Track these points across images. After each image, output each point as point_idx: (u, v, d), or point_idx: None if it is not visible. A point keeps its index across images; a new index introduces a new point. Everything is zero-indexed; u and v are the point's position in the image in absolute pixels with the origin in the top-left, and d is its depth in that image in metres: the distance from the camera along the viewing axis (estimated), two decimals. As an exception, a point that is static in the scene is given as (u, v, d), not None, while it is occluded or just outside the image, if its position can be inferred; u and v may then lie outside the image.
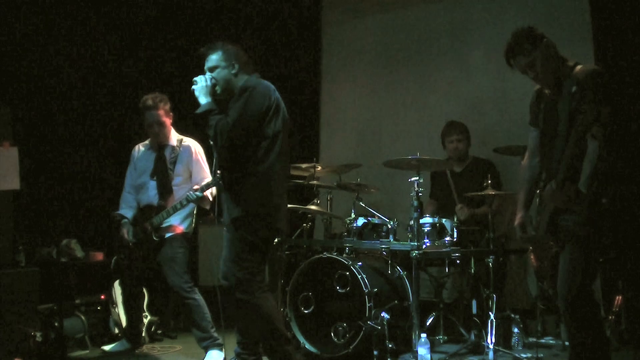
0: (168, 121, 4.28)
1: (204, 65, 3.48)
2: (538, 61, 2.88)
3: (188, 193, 4.07)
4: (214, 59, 3.44)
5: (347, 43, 6.09)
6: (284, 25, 6.22)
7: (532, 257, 3.11)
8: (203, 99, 3.35)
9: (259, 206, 3.31)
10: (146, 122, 4.24)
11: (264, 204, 3.32)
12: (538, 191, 3.18)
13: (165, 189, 4.20)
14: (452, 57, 5.54)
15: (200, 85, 3.36)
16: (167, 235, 4.17)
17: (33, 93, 5.22)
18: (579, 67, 2.86)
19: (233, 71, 3.44)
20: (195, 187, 4.08)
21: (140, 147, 4.45)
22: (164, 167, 4.23)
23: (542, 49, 2.88)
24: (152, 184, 4.24)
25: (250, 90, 3.32)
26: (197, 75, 3.39)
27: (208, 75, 3.41)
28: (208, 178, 4.23)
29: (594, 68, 2.84)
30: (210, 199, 4.17)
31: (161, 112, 4.22)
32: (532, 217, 3.11)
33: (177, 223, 4.21)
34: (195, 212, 4.34)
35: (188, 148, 4.29)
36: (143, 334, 4.59)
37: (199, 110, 3.33)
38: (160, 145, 4.30)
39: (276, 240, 4.69)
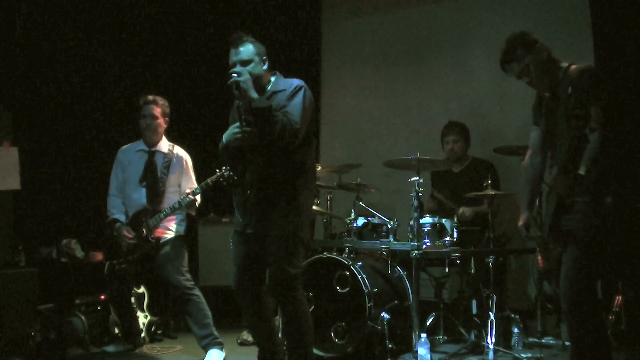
0: (162, 122, 4.27)
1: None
2: (531, 67, 2.90)
3: (181, 198, 4.09)
4: (248, 52, 3.19)
5: (347, 43, 6.09)
6: (283, 25, 6.21)
7: (538, 257, 3.11)
8: (254, 94, 3.08)
9: (309, 205, 3.29)
10: (141, 115, 4.25)
11: (310, 203, 3.31)
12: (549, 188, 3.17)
13: (155, 195, 4.19)
14: (452, 57, 5.54)
15: (246, 78, 3.09)
16: (165, 237, 4.17)
17: (34, 94, 5.22)
18: (572, 67, 2.88)
19: (265, 67, 3.25)
20: (187, 191, 4.10)
21: (127, 149, 4.40)
22: (154, 173, 4.23)
23: (534, 54, 2.89)
24: (143, 191, 4.22)
25: (304, 88, 3.21)
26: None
27: (243, 68, 3.14)
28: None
29: (584, 67, 2.85)
30: (197, 205, 4.18)
31: (158, 109, 4.24)
32: (537, 217, 3.12)
33: (173, 226, 4.21)
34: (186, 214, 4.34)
35: (180, 159, 4.30)
36: (143, 334, 4.59)
37: (258, 105, 3.05)
38: (151, 151, 4.29)
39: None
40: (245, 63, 3.17)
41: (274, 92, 3.23)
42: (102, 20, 5.69)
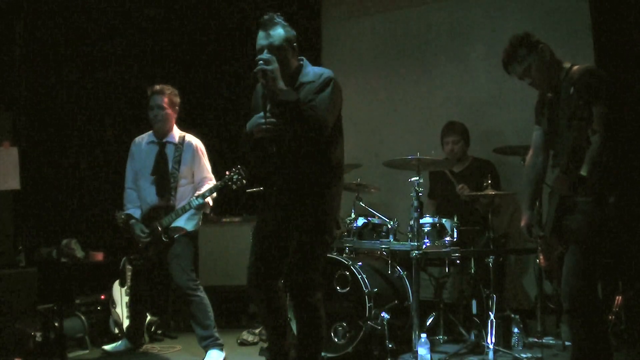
0: (171, 112, 4.20)
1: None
2: (533, 67, 2.92)
3: (191, 199, 4.06)
4: (279, 37, 2.95)
5: (347, 43, 6.09)
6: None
7: (540, 257, 3.11)
8: (282, 84, 2.85)
9: (336, 203, 3.09)
10: (148, 106, 4.20)
11: (337, 201, 3.11)
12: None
13: (164, 189, 4.15)
14: (452, 57, 5.54)
15: (274, 67, 2.83)
16: (176, 235, 4.15)
17: (33, 93, 5.21)
18: (575, 67, 2.89)
19: (294, 54, 3.03)
20: (198, 193, 4.08)
21: (139, 141, 4.36)
22: (165, 165, 4.19)
23: (536, 55, 2.90)
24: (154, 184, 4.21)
25: (335, 81, 2.99)
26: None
27: (271, 56, 2.88)
28: (209, 179, 4.23)
29: (587, 67, 2.86)
30: (211, 203, 4.16)
31: (165, 98, 4.16)
32: (539, 217, 3.12)
33: (184, 223, 4.18)
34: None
35: (190, 146, 4.23)
36: (143, 334, 4.59)
37: (286, 97, 2.84)
38: (162, 142, 4.26)
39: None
40: (274, 49, 2.93)
41: (302, 83, 3.02)
42: (103, 18, 5.68)
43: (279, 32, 2.97)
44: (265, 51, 2.93)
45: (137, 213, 4.24)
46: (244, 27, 6.31)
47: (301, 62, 3.11)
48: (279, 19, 3.00)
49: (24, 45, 5.12)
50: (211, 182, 4.22)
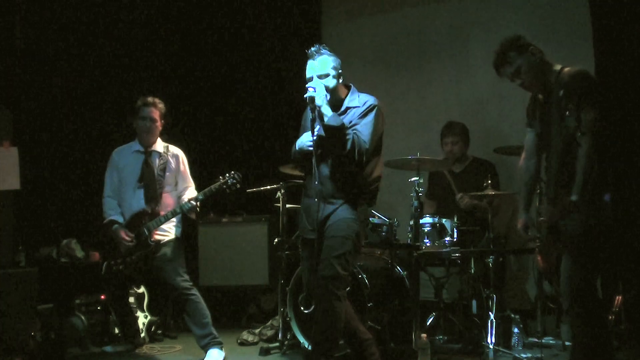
0: (160, 124, 4.26)
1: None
2: (523, 69, 2.93)
3: (183, 203, 4.08)
4: (324, 65, 3.30)
5: (347, 43, 6.08)
6: (283, 26, 6.21)
7: (538, 257, 3.12)
8: (328, 110, 3.21)
9: (367, 214, 3.46)
10: (139, 116, 4.21)
11: (367, 212, 3.47)
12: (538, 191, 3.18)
13: (152, 196, 4.16)
14: (452, 57, 5.54)
15: (322, 95, 3.21)
16: (163, 239, 4.15)
17: (33, 93, 5.22)
18: (565, 70, 2.90)
19: (340, 81, 3.36)
20: (189, 197, 4.10)
21: (123, 150, 4.36)
22: (152, 173, 4.21)
23: (526, 57, 2.92)
24: (140, 193, 4.19)
25: (378, 108, 3.31)
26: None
27: (319, 83, 3.26)
28: (191, 187, 4.30)
29: (576, 70, 2.86)
30: (197, 209, 4.19)
31: (157, 111, 4.23)
32: (536, 218, 3.12)
33: (172, 229, 4.20)
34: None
35: (176, 157, 4.30)
36: (143, 334, 4.59)
37: (331, 123, 3.18)
38: (147, 151, 4.27)
39: (276, 240, 4.71)
40: (321, 77, 3.27)
41: (348, 108, 3.33)
42: (102, 19, 5.68)
43: (324, 60, 3.31)
44: (315, 79, 3.27)
45: (120, 219, 4.22)
46: (246, 30, 6.32)
47: (349, 88, 3.43)
48: (324, 50, 3.35)
49: (24, 45, 5.13)
50: (192, 189, 4.29)
